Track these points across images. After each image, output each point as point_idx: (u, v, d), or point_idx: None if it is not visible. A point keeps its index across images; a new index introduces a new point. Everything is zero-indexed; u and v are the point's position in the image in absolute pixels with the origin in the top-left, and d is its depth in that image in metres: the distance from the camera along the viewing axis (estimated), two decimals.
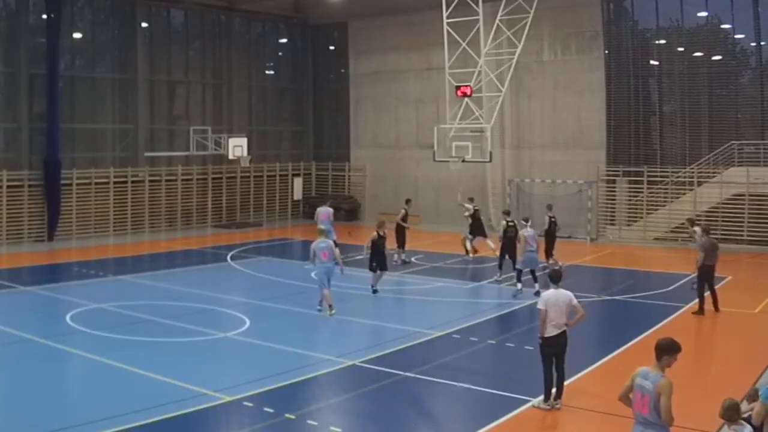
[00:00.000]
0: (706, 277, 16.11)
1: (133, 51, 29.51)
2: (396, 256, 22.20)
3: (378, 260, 18.00)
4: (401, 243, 22.45)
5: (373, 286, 17.98)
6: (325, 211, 23.23)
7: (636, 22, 28.78)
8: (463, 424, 10.25)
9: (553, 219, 22.18)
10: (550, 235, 21.81)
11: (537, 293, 16.99)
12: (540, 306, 10.42)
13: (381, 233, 18.10)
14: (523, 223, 18.77)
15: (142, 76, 29.75)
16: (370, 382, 11.68)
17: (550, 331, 10.33)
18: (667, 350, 6.97)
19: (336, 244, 18.57)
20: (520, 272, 18.04)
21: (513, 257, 18.80)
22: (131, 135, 29.78)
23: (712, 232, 18.52)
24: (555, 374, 10.43)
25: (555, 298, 10.39)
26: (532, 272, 18.03)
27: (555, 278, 10.59)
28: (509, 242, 19.07)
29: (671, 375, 6.96)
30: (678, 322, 15.58)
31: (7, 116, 26.57)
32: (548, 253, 21.10)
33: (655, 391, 6.80)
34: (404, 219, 22.66)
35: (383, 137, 34.37)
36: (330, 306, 15.70)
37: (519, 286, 17.88)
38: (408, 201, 24.07)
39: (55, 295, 18.28)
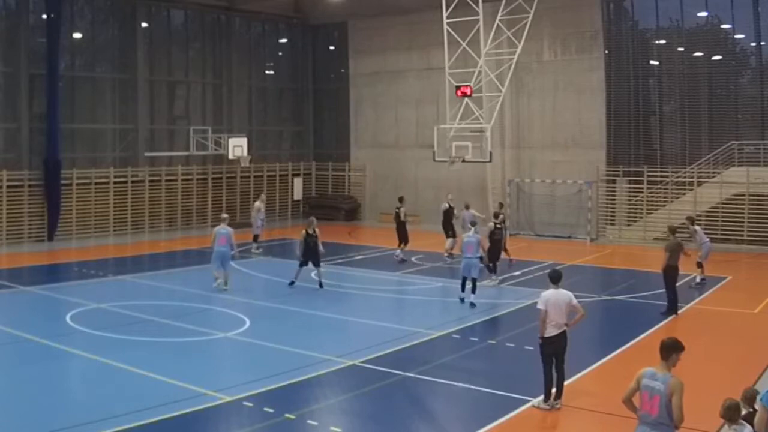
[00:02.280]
0: (672, 277, 16.07)
1: (133, 51, 29.50)
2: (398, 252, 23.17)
3: (309, 257, 18.54)
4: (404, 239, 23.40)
5: (293, 279, 18.66)
6: (255, 206, 25.73)
7: (636, 22, 28.78)
8: (463, 424, 10.25)
9: (498, 226, 19.83)
10: (494, 242, 19.72)
11: (472, 305, 16.71)
12: (540, 306, 10.43)
13: (310, 231, 18.56)
14: (469, 226, 17.87)
15: (142, 76, 29.75)
16: (370, 382, 11.68)
17: (550, 331, 10.35)
18: (674, 349, 7.01)
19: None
20: (464, 280, 17.10)
21: (492, 259, 18.94)
22: (131, 135, 29.77)
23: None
24: (555, 374, 10.44)
25: (555, 298, 10.40)
26: (473, 280, 16.91)
27: (555, 278, 10.59)
28: (495, 244, 19.19)
29: None
30: (678, 322, 15.59)
31: (7, 116, 26.56)
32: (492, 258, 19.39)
33: (667, 391, 6.78)
34: (402, 216, 23.47)
35: (383, 137, 34.36)
36: (225, 282, 18.12)
37: (462, 293, 17.08)
38: (401, 199, 24.48)
39: (55, 295, 18.27)
